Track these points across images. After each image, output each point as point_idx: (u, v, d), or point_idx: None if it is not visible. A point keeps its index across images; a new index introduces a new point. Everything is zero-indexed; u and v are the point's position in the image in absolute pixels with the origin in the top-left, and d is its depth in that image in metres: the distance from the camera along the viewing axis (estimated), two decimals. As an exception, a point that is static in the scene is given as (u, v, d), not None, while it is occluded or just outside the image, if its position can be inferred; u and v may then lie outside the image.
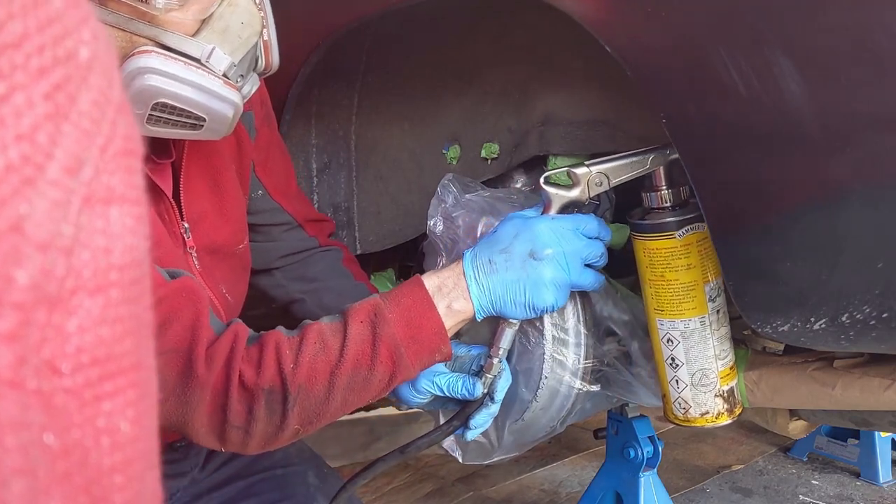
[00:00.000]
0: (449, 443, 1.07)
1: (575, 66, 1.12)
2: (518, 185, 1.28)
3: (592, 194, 0.87)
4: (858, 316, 0.77)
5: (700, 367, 0.86)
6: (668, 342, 0.87)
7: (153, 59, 0.77)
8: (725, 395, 0.90)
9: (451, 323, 0.86)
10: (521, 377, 0.99)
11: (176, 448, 1.05)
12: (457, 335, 0.99)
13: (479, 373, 0.94)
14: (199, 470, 1.07)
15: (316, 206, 1.39)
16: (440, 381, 0.92)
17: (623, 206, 1.32)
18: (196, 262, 1.00)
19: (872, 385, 0.97)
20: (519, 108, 1.23)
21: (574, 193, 0.87)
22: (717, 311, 0.86)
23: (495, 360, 0.91)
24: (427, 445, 0.95)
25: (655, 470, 1.46)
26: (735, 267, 0.84)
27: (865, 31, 0.68)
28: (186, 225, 0.97)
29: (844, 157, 0.72)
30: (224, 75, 0.82)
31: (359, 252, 1.41)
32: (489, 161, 1.27)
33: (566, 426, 1.06)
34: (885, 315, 0.76)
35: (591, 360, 1.00)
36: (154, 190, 0.91)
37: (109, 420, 0.19)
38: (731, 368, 0.91)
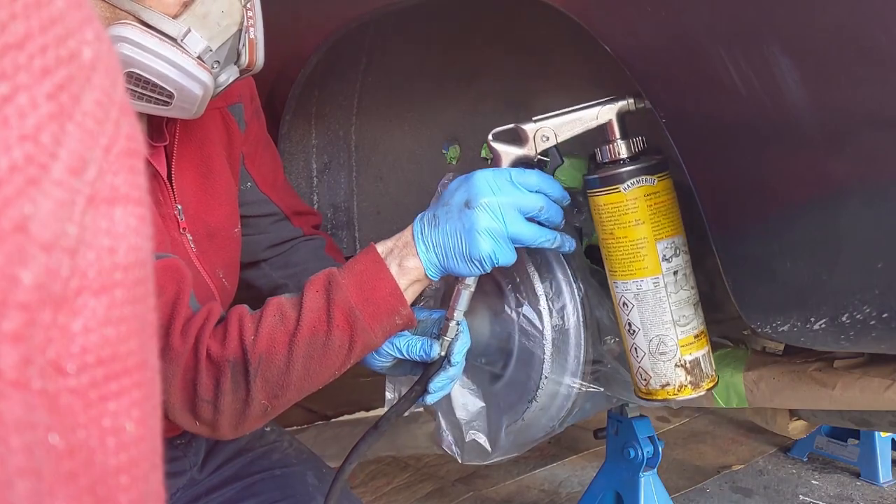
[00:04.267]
0: (448, 443, 1.07)
1: (575, 66, 1.12)
2: (518, 186, 1.28)
3: (539, 150, 0.85)
4: (858, 316, 0.77)
5: (657, 334, 0.81)
6: (623, 306, 0.83)
7: (129, 30, 0.81)
8: (688, 365, 0.84)
9: (405, 282, 0.85)
10: (521, 377, 1.00)
11: (175, 445, 1.05)
12: (419, 300, 0.99)
13: (438, 335, 0.94)
14: (197, 470, 1.07)
15: (316, 206, 1.39)
16: (400, 342, 0.92)
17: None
18: (192, 245, 1.01)
19: (872, 385, 0.97)
20: (519, 108, 1.23)
21: (521, 149, 0.86)
22: (675, 273, 0.81)
23: (452, 323, 0.91)
24: (397, 415, 0.94)
25: (655, 470, 1.46)
26: (735, 267, 0.84)
27: (865, 30, 0.68)
28: (179, 206, 1.00)
29: (844, 156, 0.72)
30: (199, 57, 0.85)
31: (358, 252, 1.41)
32: (489, 161, 1.27)
33: (566, 426, 1.06)
34: (885, 315, 0.76)
35: (591, 361, 1.00)
36: (149, 170, 0.92)
37: (115, 420, 0.19)
38: (695, 337, 0.85)
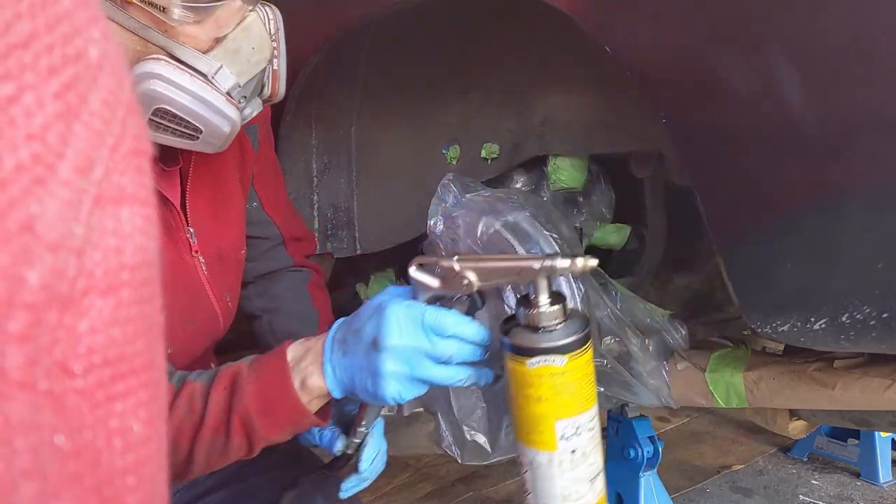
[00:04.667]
0: (448, 443, 1.07)
1: (575, 67, 1.12)
2: (518, 185, 1.28)
3: (459, 293, 0.78)
4: (858, 316, 0.77)
5: (545, 502, 0.76)
6: (519, 465, 0.78)
7: (161, 67, 0.80)
8: None
9: (308, 398, 0.80)
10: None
11: None
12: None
13: (348, 429, 0.92)
14: (196, 471, 1.07)
15: (316, 206, 1.39)
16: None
17: (622, 202, 1.32)
18: (204, 268, 1.01)
19: (872, 385, 0.97)
20: (519, 109, 1.23)
21: (437, 286, 0.78)
22: (572, 451, 0.75)
23: (360, 429, 0.88)
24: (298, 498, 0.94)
25: (655, 470, 1.46)
26: (736, 267, 0.84)
27: (865, 32, 0.68)
28: (192, 230, 1.00)
29: (844, 157, 0.72)
30: (227, 93, 0.85)
31: (359, 252, 1.41)
32: (489, 161, 1.27)
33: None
34: (885, 315, 0.76)
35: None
36: (160, 197, 0.92)
37: (122, 421, 0.19)
38: None
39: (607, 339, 1.07)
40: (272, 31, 0.92)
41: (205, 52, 0.84)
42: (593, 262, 0.74)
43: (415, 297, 0.81)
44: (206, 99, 0.83)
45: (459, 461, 1.09)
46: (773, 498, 2.01)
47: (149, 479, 0.20)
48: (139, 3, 0.78)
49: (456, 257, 0.78)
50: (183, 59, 0.82)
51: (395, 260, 1.56)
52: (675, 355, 1.14)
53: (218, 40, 0.84)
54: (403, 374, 0.76)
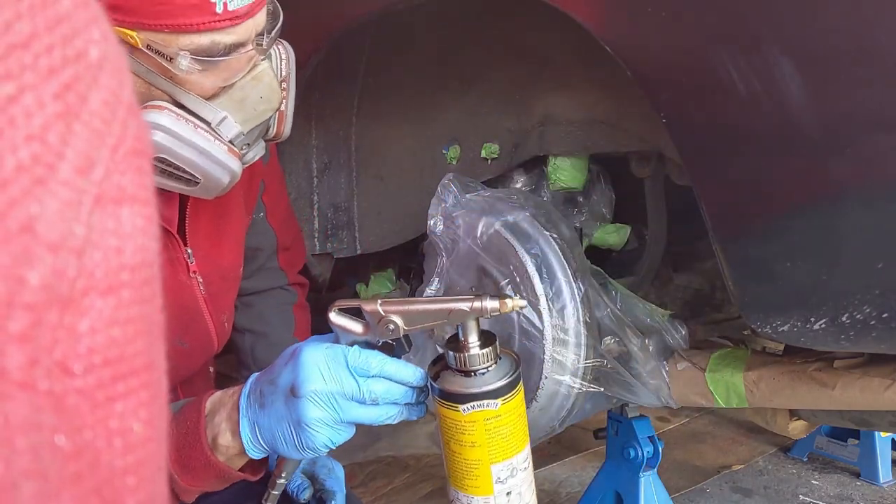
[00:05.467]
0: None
1: (575, 67, 1.12)
2: (518, 185, 1.28)
3: (383, 338, 0.73)
4: (858, 316, 0.77)
5: None
6: None
7: (164, 117, 0.78)
8: None
9: (224, 457, 0.75)
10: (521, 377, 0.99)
11: None
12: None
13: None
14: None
15: (316, 206, 1.39)
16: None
17: (622, 202, 1.32)
18: (202, 289, 1.00)
19: (872, 385, 0.97)
20: (519, 109, 1.23)
21: (360, 331, 0.74)
22: (508, 493, 0.74)
23: (279, 481, 0.84)
24: None
25: (655, 470, 1.46)
26: (736, 267, 0.84)
27: (865, 31, 0.68)
28: (189, 250, 0.98)
29: (844, 157, 0.72)
30: (230, 142, 0.83)
31: (359, 252, 1.42)
32: (489, 161, 1.27)
33: (566, 426, 1.06)
34: (885, 315, 0.76)
35: (591, 361, 1.00)
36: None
37: (122, 421, 0.19)
38: None
39: (607, 339, 1.07)
40: (283, 74, 0.90)
41: (210, 98, 0.82)
42: (522, 303, 0.73)
43: (336, 343, 0.76)
44: (208, 150, 0.81)
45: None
46: (773, 498, 2.01)
47: (149, 480, 0.20)
48: (146, 50, 0.76)
49: (379, 301, 0.73)
50: (187, 105, 0.80)
51: (395, 260, 1.56)
52: (675, 355, 1.14)
53: (224, 88, 0.82)
54: (330, 418, 0.71)
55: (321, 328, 1.15)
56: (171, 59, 0.76)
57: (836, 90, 0.71)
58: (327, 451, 0.74)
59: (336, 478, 0.92)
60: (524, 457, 0.75)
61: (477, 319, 0.72)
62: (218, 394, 0.78)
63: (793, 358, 1.08)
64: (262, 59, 0.85)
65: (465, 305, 0.71)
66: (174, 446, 0.76)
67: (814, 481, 2.08)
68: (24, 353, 0.17)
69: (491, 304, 0.71)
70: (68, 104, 0.18)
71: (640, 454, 1.42)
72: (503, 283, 1.01)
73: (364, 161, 1.38)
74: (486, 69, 1.22)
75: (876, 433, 2.02)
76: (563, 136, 1.17)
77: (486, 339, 0.74)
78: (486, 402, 0.71)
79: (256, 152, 0.90)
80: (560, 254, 1.00)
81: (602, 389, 1.02)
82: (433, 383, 0.73)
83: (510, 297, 0.72)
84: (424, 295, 1.09)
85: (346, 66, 1.27)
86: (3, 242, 0.16)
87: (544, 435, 1.06)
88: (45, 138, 0.18)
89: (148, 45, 0.75)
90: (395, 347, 0.75)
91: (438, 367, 0.76)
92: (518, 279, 0.99)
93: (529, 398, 0.99)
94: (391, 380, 0.73)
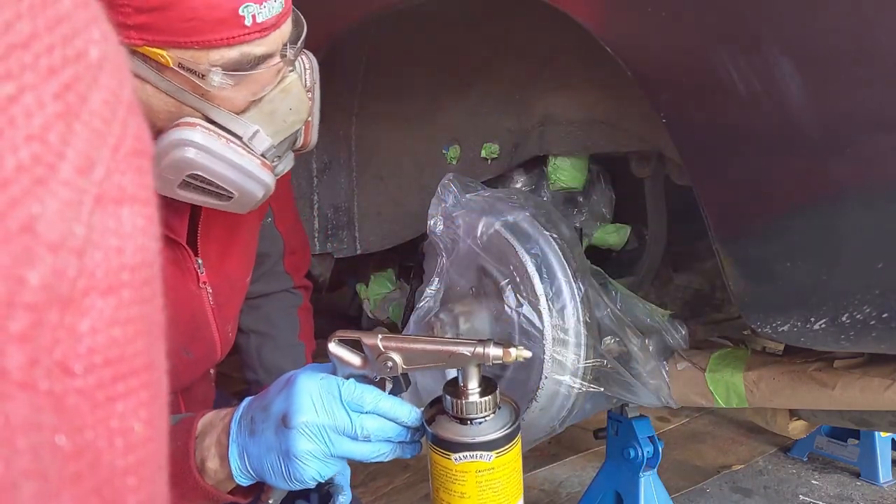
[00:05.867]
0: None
1: (575, 67, 1.12)
2: (518, 185, 1.28)
3: (381, 374, 0.71)
4: (858, 316, 0.77)
5: None
6: None
7: (196, 134, 0.78)
8: None
9: (212, 481, 0.73)
10: (521, 377, 0.99)
11: None
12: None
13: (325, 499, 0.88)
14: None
15: (316, 206, 1.39)
16: None
17: (622, 202, 1.32)
18: (211, 299, 1.00)
19: (872, 385, 0.97)
20: (519, 109, 1.23)
21: (358, 365, 0.72)
22: None
23: (269, 501, 0.79)
24: None
25: (655, 470, 1.46)
26: (736, 267, 0.84)
27: (865, 31, 0.68)
28: (200, 261, 0.98)
29: (844, 157, 0.72)
30: (262, 155, 0.84)
31: (359, 252, 1.42)
32: (489, 161, 1.27)
33: (566, 426, 1.06)
34: (885, 315, 0.76)
35: (591, 361, 1.00)
36: (164, 236, 0.90)
37: (123, 421, 0.19)
38: None
39: (607, 339, 1.07)
40: (308, 84, 0.90)
41: (240, 112, 0.82)
42: (527, 354, 0.71)
43: (333, 374, 0.74)
44: (241, 165, 0.81)
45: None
46: (773, 498, 2.01)
47: (149, 480, 0.20)
48: (177, 69, 0.75)
49: (380, 336, 0.71)
50: (218, 121, 0.80)
51: (395, 260, 1.56)
52: (675, 355, 1.14)
53: (254, 101, 0.82)
54: (320, 452, 0.69)
55: (322, 330, 1.15)
56: (202, 75, 0.76)
57: (836, 90, 0.71)
58: (315, 483, 0.71)
59: (343, 474, 0.92)
60: None
61: (478, 366, 0.70)
62: (210, 415, 0.77)
63: (793, 358, 1.07)
64: (290, 71, 0.85)
65: (466, 350, 0.69)
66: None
67: (814, 481, 2.08)
68: (24, 353, 0.17)
69: (494, 351, 0.69)
70: (68, 104, 0.18)
71: (640, 454, 1.42)
72: (503, 283, 1.01)
73: (364, 161, 1.38)
74: (486, 69, 1.22)
75: (876, 433, 2.02)
76: (563, 136, 1.17)
77: (487, 386, 0.71)
78: (479, 453, 0.69)
79: (286, 164, 0.91)
80: (560, 254, 1.00)
81: (602, 389, 1.02)
82: (427, 427, 0.71)
83: (514, 346, 0.70)
84: (424, 295, 1.09)
85: (346, 66, 1.27)
86: (4, 242, 0.16)
87: (544, 435, 1.06)
88: (46, 138, 0.18)
89: (179, 64, 0.75)
90: (392, 384, 0.73)
91: (435, 409, 0.73)
92: (518, 279, 0.99)
93: (529, 398, 0.99)
94: (385, 417, 0.71)
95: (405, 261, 1.55)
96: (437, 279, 1.08)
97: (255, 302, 1.20)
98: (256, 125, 0.82)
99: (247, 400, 0.76)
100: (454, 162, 1.31)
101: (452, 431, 0.70)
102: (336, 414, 0.69)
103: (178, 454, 0.74)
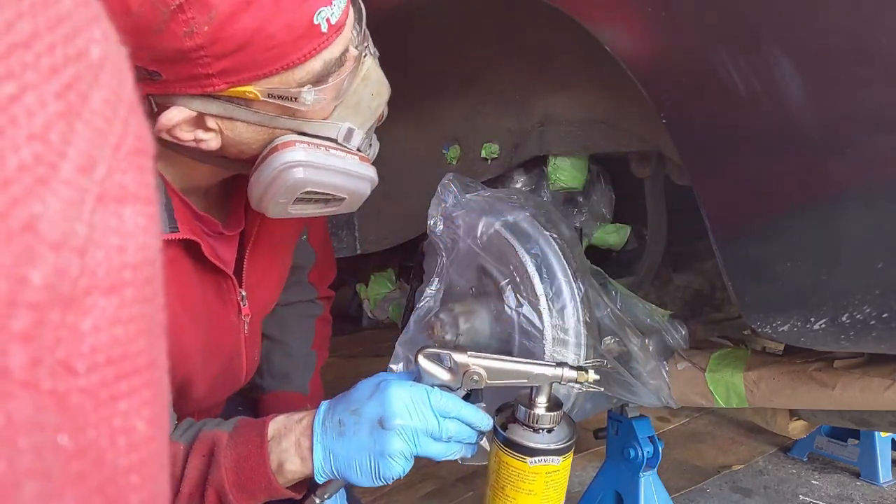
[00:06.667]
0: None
1: (575, 67, 1.12)
2: (518, 185, 1.28)
3: (466, 387, 0.81)
4: (858, 316, 0.77)
5: None
6: None
7: (298, 153, 0.78)
8: None
9: (284, 481, 0.79)
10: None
11: None
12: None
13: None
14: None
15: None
16: None
17: (622, 202, 1.32)
18: (246, 329, 1.00)
19: (872, 385, 0.97)
20: (519, 109, 1.23)
21: (446, 378, 0.81)
22: None
23: (317, 500, 0.86)
24: None
25: (655, 470, 1.46)
26: (736, 267, 0.84)
27: (865, 31, 0.68)
28: (244, 293, 0.97)
29: (844, 157, 0.72)
30: (358, 149, 0.84)
31: (359, 252, 1.42)
32: (489, 161, 1.27)
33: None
34: (885, 315, 0.76)
35: (591, 361, 1.00)
36: (214, 267, 0.89)
37: (125, 420, 0.19)
38: None
39: (607, 339, 1.07)
40: (378, 55, 0.88)
41: (328, 116, 0.81)
42: (596, 377, 0.82)
43: (416, 381, 0.82)
44: (346, 168, 0.82)
45: (459, 461, 1.09)
46: (773, 498, 2.01)
47: (152, 478, 0.20)
48: (267, 100, 0.73)
49: (469, 353, 0.81)
50: (311, 132, 0.80)
51: (395, 260, 1.56)
52: (675, 355, 1.14)
53: (338, 98, 0.81)
54: (409, 452, 0.77)
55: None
56: (294, 98, 0.74)
57: (836, 90, 0.71)
58: (393, 481, 0.79)
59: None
60: None
61: (551, 384, 0.81)
62: (280, 418, 0.82)
63: (793, 358, 1.08)
64: (365, 57, 0.83)
65: (547, 371, 0.81)
66: (233, 468, 0.79)
67: (814, 481, 2.08)
68: (26, 352, 0.17)
69: (569, 373, 0.81)
70: (70, 103, 0.18)
71: (640, 454, 1.42)
72: (503, 283, 1.01)
73: (364, 161, 1.38)
74: (486, 69, 1.22)
75: (876, 433, 2.02)
76: (563, 136, 1.17)
77: (556, 402, 0.83)
78: (552, 458, 0.81)
79: (376, 147, 0.91)
80: (560, 254, 1.00)
81: (602, 389, 1.02)
82: (502, 433, 0.82)
83: (587, 370, 0.81)
84: (424, 295, 1.09)
85: (345, 66, 1.27)
86: (6, 241, 0.16)
87: (544, 435, 1.05)
88: (47, 137, 0.18)
89: (269, 94, 0.73)
90: (469, 395, 0.82)
91: (504, 417, 0.84)
92: (518, 279, 0.99)
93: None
94: (463, 422, 0.80)
95: (405, 261, 1.55)
96: (437, 279, 1.08)
97: (275, 309, 1.20)
98: (346, 122, 0.82)
99: (325, 404, 0.82)
100: (454, 162, 1.31)
101: (528, 438, 0.81)
102: (427, 418, 0.78)
103: (250, 457, 0.79)
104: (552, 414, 0.81)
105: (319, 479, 0.79)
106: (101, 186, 0.19)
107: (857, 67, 0.69)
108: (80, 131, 0.18)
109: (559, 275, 0.99)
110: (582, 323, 0.99)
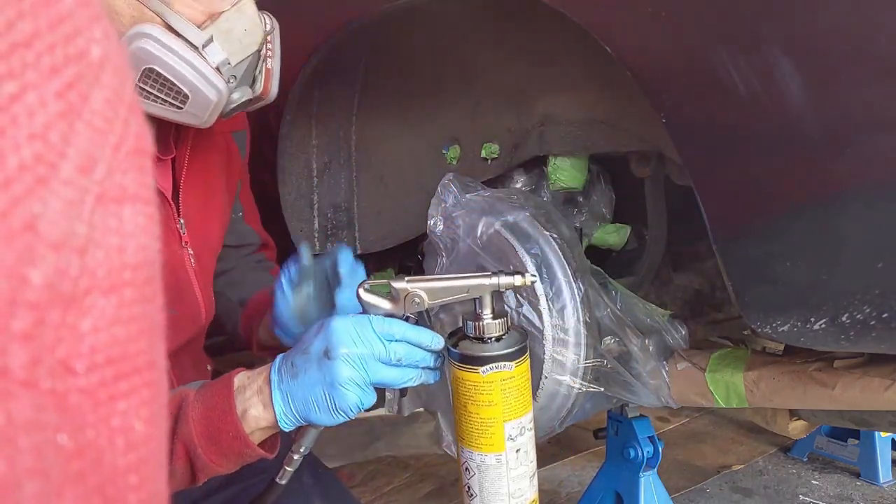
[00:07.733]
0: (448, 442, 1.07)
1: (575, 67, 1.12)
2: (518, 185, 1.28)
3: (409, 311, 0.82)
4: (858, 316, 0.77)
5: (492, 503, 0.84)
6: (466, 471, 0.85)
7: (155, 29, 0.83)
8: None
9: (249, 430, 0.79)
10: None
11: None
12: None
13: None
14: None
15: (316, 206, 1.40)
16: None
17: (622, 202, 1.32)
18: (192, 261, 1.03)
19: (872, 385, 0.97)
20: (519, 109, 1.23)
21: (389, 307, 0.82)
22: (517, 451, 0.83)
23: (295, 456, 0.87)
24: None
25: (655, 470, 1.46)
26: (735, 267, 0.84)
27: (865, 31, 0.68)
28: (182, 220, 1.01)
29: (844, 157, 0.72)
30: (216, 68, 0.87)
31: (359, 252, 1.42)
32: (489, 161, 1.27)
33: (566, 426, 1.06)
34: (885, 315, 0.76)
35: (591, 361, 1.00)
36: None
37: (124, 419, 0.19)
38: None
39: (607, 339, 1.07)
40: (267, 28, 0.94)
41: (198, 25, 0.86)
42: (533, 278, 0.85)
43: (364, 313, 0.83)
44: (195, 65, 0.85)
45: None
46: (773, 498, 2.01)
47: (150, 478, 0.20)
48: None
49: (406, 278, 0.82)
50: (176, 27, 0.85)
51: (395, 260, 1.56)
52: (675, 355, 1.14)
53: (212, 16, 0.87)
54: (360, 379, 0.77)
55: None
56: None
57: (836, 90, 0.71)
58: (355, 414, 0.79)
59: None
60: (529, 418, 0.84)
61: (492, 294, 0.82)
62: (243, 372, 0.83)
63: (793, 358, 1.08)
64: None
65: (485, 281, 0.82)
66: (201, 419, 0.79)
67: (814, 481, 2.08)
68: (26, 351, 0.17)
69: (506, 280, 0.82)
70: (70, 103, 0.18)
71: (640, 454, 1.42)
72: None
73: (364, 161, 1.38)
74: (486, 69, 1.22)
75: (876, 433, 2.02)
76: (563, 136, 1.17)
77: (500, 311, 0.83)
78: (503, 363, 0.81)
79: (242, 94, 0.93)
80: (560, 254, 1.00)
81: (602, 389, 1.02)
82: (452, 349, 0.83)
83: (521, 273, 0.83)
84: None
85: (346, 66, 1.27)
86: (6, 241, 0.16)
87: (544, 435, 1.06)
88: (48, 137, 0.18)
89: None
90: (417, 321, 0.83)
91: (455, 338, 0.84)
92: (518, 279, 0.99)
93: (529, 398, 0.99)
94: (412, 343, 0.81)
95: (405, 261, 1.55)
96: (437, 279, 1.08)
97: (226, 274, 1.22)
98: (214, 43, 0.87)
99: (280, 355, 0.82)
100: (454, 162, 1.31)
101: (477, 350, 0.82)
102: (372, 343, 0.78)
103: (217, 406, 0.79)
104: (497, 322, 0.82)
105: (283, 426, 0.80)
106: (101, 186, 0.19)
107: (857, 67, 0.69)
108: (80, 131, 0.18)
109: (559, 275, 0.99)
110: (582, 323, 0.99)
